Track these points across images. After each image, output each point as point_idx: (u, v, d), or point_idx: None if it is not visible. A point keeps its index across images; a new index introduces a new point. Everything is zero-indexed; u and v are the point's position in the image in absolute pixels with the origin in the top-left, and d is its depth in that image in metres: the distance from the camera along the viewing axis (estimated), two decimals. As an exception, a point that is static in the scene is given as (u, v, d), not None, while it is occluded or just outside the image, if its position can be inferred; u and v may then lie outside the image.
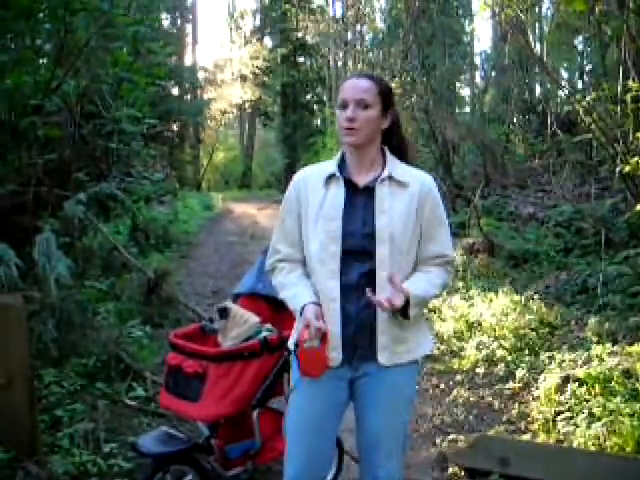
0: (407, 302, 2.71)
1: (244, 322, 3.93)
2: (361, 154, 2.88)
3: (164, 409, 4.55)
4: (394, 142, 2.97)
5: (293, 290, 2.88)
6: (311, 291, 2.83)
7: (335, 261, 2.79)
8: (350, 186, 2.87)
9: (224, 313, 3.94)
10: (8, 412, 4.23)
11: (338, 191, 2.85)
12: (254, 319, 3.94)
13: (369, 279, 2.77)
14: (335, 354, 2.79)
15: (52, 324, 5.70)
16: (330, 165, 2.94)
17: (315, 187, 2.89)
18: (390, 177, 2.83)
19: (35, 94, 7.09)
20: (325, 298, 2.80)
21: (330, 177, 2.89)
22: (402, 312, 2.74)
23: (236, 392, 3.59)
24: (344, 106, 2.82)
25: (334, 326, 2.76)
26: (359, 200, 2.84)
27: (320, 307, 2.77)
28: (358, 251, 2.79)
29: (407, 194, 2.82)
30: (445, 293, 8.86)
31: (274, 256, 3.01)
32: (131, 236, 11.68)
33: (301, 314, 2.76)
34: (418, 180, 2.87)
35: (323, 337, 2.68)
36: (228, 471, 3.83)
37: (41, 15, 7.46)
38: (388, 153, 2.93)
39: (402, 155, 2.98)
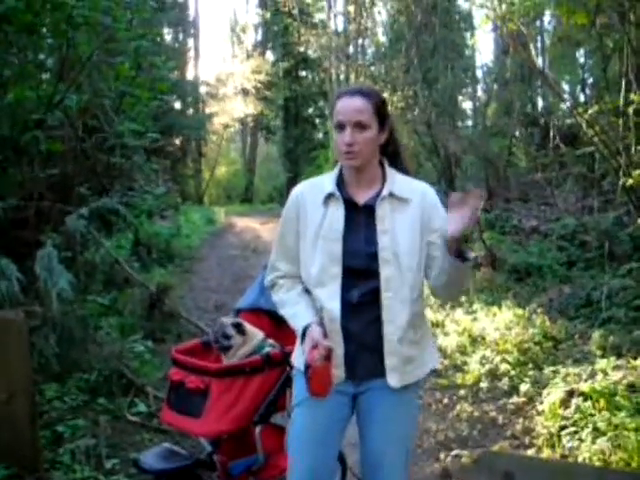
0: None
1: (253, 338, 3.91)
2: (361, 173, 2.84)
3: (166, 425, 4.52)
4: (390, 150, 2.92)
5: (294, 309, 2.87)
6: (312, 309, 2.82)
7: (336, 282, 2.77)
8: (350, 205, 2.83)
9: (240, 329, 3.89)
10: (9, 427, 4.22)
11: (338, 211, 2.82)
12: (260, 335, 3.92)
13: (372, 297, 2.75)
14: (338, 372, 2.78)
15: (54, 339, 5.69)
16: (328, 182, 2.89)
17: (314, 205, 2.85)
18: (391, 194, 2.80)
19: (37, 108, 7.09)
20: (326, 317, 2.77)
21: (329, 196, 2.85)
22: (458, 253, 2.64)
23: (238, 408, 3.56)
24: (341, 127, 2.76)
25: (336, 345, 2.74)
26: (360, 219, 2.81)
27: (323, 326, 2.75)
28: (362, 270, 2.76)
29: (409, 210, 2.79)
30: (448, 307, 8.85)
31: (273, 272, 2.99)
32: (133, 251, 11.66)
33: (303, 334, 2.75)
34: (419, 193, 2.83)
35: (327, 356, 2.67)
36: (230, 487, 3.81)
37: (43, 30, 7.47)
38: (387, 167, 2.89)
39: (398, 161, 2.94)
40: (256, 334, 3.91)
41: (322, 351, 2.63)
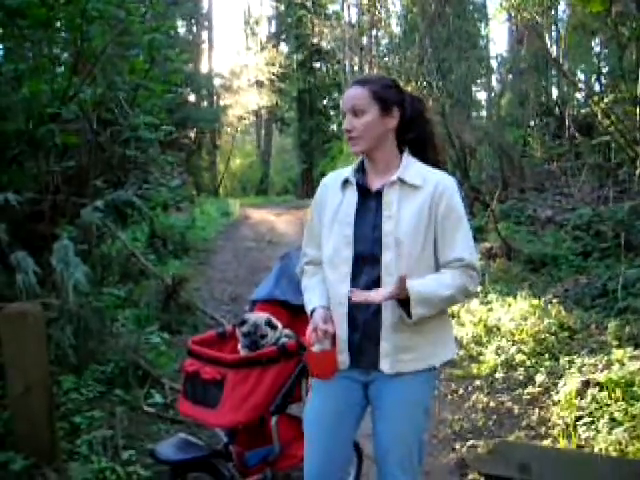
0: (408, 301, 2.65)
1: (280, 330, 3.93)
2: (373, 159, 2.88)
3: (182, 416, 4.54)
4: (410, 138, 2.92)
5: (309, 294, 2.94)
6: (325, 295, 2.86)
7: (347, 265, 2.79)
8: (363, 191, 2.87)
9: (272, 324, 3.90)
10: (27, 419, 4.25)
11: (352, 196, 2.87)
12: (278, 326, 3.93)
13: (377, 286, 2.74)
14: (343, 357, 2.81)
15: (70, 331, 5.71)
16: (348, 170, 2.96)
17: (334, 192, 2.93)
18: (401, 180, 2.80)
19: (52, 102, 7.11)
20: (334, 302, 2.82)
21: (345, 182, 2.91)
22: (406, 311, 2.68)
23: (254, 398, 3.57)
24: (343, 117, 2.86)
25: (340, 330, 2.78)
26: (371, 204, 2.84)
27: (329, 310, 2.79)
28: (367, 256, 2.78)
29: (419, 197, 2.77)
30: (464, 298, 8.82)
31: (303, 259, 3.08)
32: (149, 243, 11.71)
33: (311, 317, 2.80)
34: (433, 181, 2.80)
35: (332, 340, 2.69)
36: (247, 478, 3.81)
37: (58, 24, 7.49)
38: (406, 154, 2.89)
39: (423, 150, 2.93)
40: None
41: (320, 334, 2.66)
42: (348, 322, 2.79)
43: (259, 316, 3.91)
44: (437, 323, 2.87)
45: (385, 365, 2.78)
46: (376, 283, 2.75)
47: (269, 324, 3.85)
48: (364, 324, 2.79)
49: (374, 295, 2.64)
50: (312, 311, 2.83)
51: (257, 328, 3.81)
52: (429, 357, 2.85)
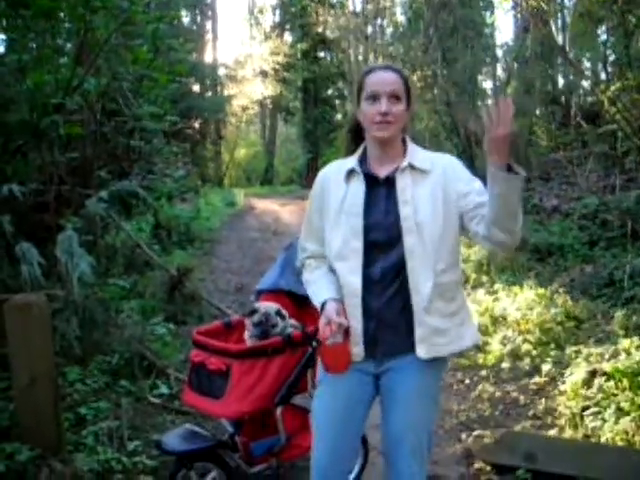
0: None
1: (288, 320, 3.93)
2: (387, 147, 2.86)
3: (188, 406, 4.54)
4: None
5: (316, 287, 2.89)
6: (333, 287, 2.83)
7: (357, 256, 2.77)
8: (370, 179, 2.84)
9: (282, 314, 3.90)
10: (33, 410, 4.25)
11: (358, 186, 2.84)
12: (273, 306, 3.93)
13: (393, 272, 2.75)
14: (357, 349, 2.79)
15: (75, 322, 5.72)
16: (351, 160, 2.92)
17: (337, 183, 2.89)
18: (411, 166, 2.81)
19: (56, 93, 7.09)
20: (347, 293, 2.79)
21: (350, 172, 2.88)
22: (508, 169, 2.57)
23: (260, 389, 3.57)
24: (374, 98, 2.77)
25: (355, 321, 2.76)
26: (380, 192, 2.82)
27: (341, 303, 2.76)
28: (383, 243, 2.76)
29: (430, 180, 2.79)
30: (470, 287, 8.82)
31: (303, 253, 3.04)
32: (153, 233, 11.71)
33: (322, 311, 2.75)
34: (439, 163, 2.84)
35: (345, 333, 2.67)
36: (252, 468, 3.83)
37: (61, 14, 7.47)
38: (409, 141, 2.90)
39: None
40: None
41: (334, 328, 2.63)
42: (362, 312, 2.78)
43: (269, 305, 3.92)
44: (461, 305, 2.91)
45: (422, 350, 2.77)
46: (394, 269, 2.75)
47: (279, 314, 3.85)
48: (378, 312, 2.78)
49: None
50: (323, 304, 2.78)
51: (268, 317, 3.81)
52: (460, 339, 2.87)
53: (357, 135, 2.97)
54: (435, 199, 2.76)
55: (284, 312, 3.91)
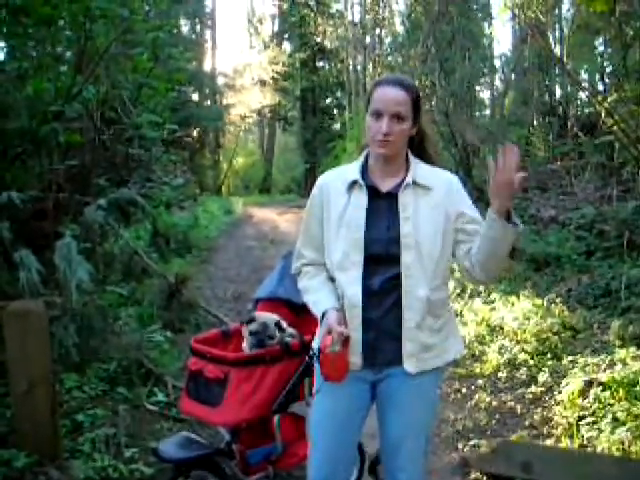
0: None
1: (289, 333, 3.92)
2: (390, 162, 2.85)
3: (185, 414, 4.54)
4: (416, 140, 2.92)
5: (315, 295, 2.89)
6: (333, 296, 2.83)
7: (357, 269, 2.78)
8: (372, 192, 2.84)
9: (281, 327, 3.89)
10: (30, 416, 4.26)
11: (361, 198, 2.83)
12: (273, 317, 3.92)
13: (392, 284, 2.76)
14: (355, 358, 2.79)
15: (73, 329, 5.72)
16: (352, 170, 2.91)
17: (338, 193, 2.88)
18: (414, 182, 2.81)
19: (56, 100, 7.12)
20: (347, 304, 2.79)
21: (353, 183, 2.86)
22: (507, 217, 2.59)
23: (257, 397, 3.57)
24: (377, 115, 2.76)
25: (355, 332, 2.76)
26: (382, 206, 2.82)
27: (342, 312, 2.77)
28: (382, 257, 2.77)
29: (432, 198, 2.79)
30: (467, 296, 8.83)
31: (299, 260, 3.03)
32: (152, 241, 11.70)
33: (322, 319, 2.76)
34: (442, 181, 2.84)
35: (345, 342, 2.68)
36: (249, 476, 3.82)
37: (61, 22, 7.50)
38: (412, 157, 2.90)
39: (423, 150, 2.94)
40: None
41: (335, 337, 2.65)
42: (362, 322, 2.79)
43: (269, 317, 3.91)
44: (447, 319, 2.91)
45: (410, 365, 2.79)
46: (392, 282, 2.75)
47: (278, 325, 3.84)
48: (378, 322, 2.79)
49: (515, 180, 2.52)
50: (323, 313, 2.79)
51: (266, 328, 3.80)
52: (444, 353, 2.89)
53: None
54: (436, 217, 2.77)
55: (284, 324, 3.90)
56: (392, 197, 2.82)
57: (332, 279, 2.90)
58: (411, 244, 2.74)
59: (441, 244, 2.77)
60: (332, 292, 2.85)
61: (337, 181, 2.91)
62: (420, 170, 2.86)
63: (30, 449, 4.22)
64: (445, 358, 2.90)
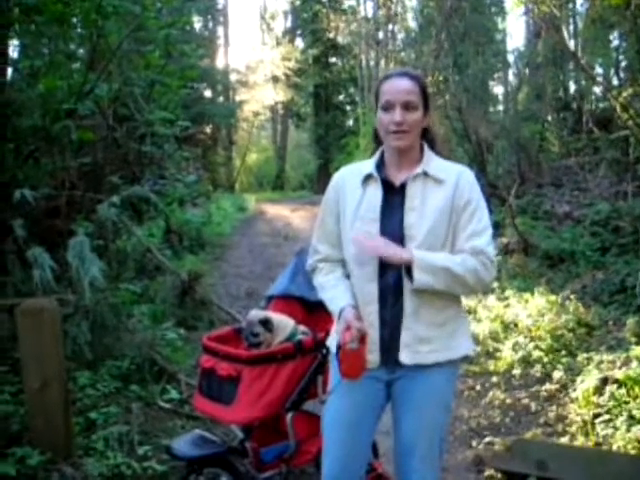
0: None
1: (284, 327, 3.90)
2: (405, 155, 2.84)
3: (198, 412, 4.54)
4: (428, 136, 2.92)
5: (331, 292, 2.87)
6: (349, 293, 2.82)
7: (373, 263, 2.75)
8: (387, 186, 2.83)
9: (268, 326, 3.88)
10: (43, 414, 4.27)
11: (375, 192, 2.83)
12: (291, 323, 3.91)
13: (405, 280, 2.73)
14: (372, 356, 2.76)
15: (86, 327, 5.74)
16: (368, 165, 2.90)
17: (353, 187, 2.87)
18: (425, 174, 2.79)
19: (68, 98, 7.13)
20: (363, 301, 2.78)
21: (368, 177, 2.86)
22: (407, 272, 2.68)
23: (270, 395, 3.56)
24: (388, 108, 2.76)
25: (372, 329, 2.74)
26: (395, 199, 2.80)
27: (358, 309, 2.75)
28: None
29: (443, 190, 2.77)
30: (480, 293, 8.79)
31: (315, 256, 3.01)
32: (165, 238, 11.73)
33: (339, 317, 2.75)
34: (455, 174, 2.82)
35: (362, 339, 2.66)
36: (262, 474, 3.81)
37: (74, 20, 7.51)
38: (426, 149, 2.89)
39: (434, 146, 2.94)
40: (286, 323, 3.90)
41: (355, 333, 2.63)
42: (379, 319, 2.77)
43: (256, 314, 3.89)
44: (453, 315, 2.87)
45: (404, 356, 2.76)
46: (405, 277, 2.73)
47: (264, 324, 3.81)
48: (391, 320, 2.77)
49: (384, 250, 2.66)
50: (340, 310, 2.76)
51: (249, 325, 3.80)
52: (447, 350, 2.83)
53: (380, 142, 2.94)
54: (443, 211, 2.75)
55: (272, 324, 3.86)
56: (404, 189, 2.80)
57: (347, 276, 2.88)
58: (413, 236, 2.72)
59: (443, 237, 2.75)
60: (348, 289, 2.84)
61: (352, 176, 2.91)
62: (434, 162, 2.85)
63: (43, 447, 4.22)
64: (448, 355, 2.83)
